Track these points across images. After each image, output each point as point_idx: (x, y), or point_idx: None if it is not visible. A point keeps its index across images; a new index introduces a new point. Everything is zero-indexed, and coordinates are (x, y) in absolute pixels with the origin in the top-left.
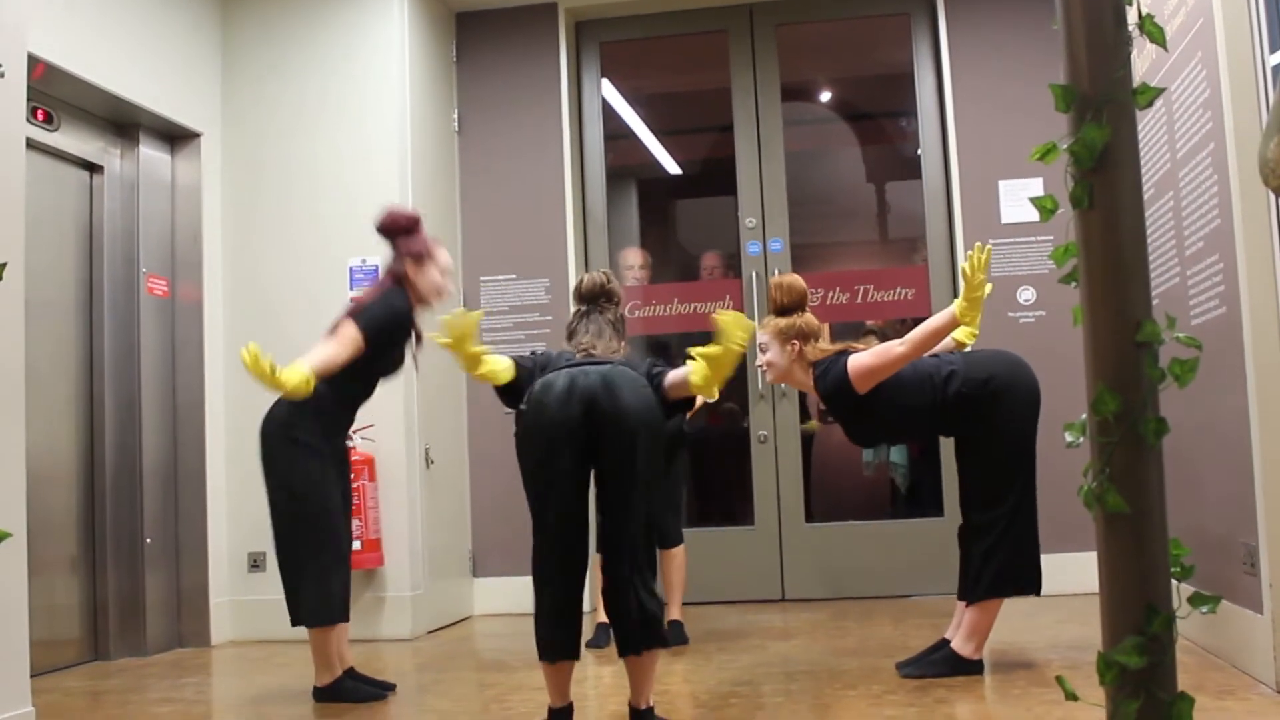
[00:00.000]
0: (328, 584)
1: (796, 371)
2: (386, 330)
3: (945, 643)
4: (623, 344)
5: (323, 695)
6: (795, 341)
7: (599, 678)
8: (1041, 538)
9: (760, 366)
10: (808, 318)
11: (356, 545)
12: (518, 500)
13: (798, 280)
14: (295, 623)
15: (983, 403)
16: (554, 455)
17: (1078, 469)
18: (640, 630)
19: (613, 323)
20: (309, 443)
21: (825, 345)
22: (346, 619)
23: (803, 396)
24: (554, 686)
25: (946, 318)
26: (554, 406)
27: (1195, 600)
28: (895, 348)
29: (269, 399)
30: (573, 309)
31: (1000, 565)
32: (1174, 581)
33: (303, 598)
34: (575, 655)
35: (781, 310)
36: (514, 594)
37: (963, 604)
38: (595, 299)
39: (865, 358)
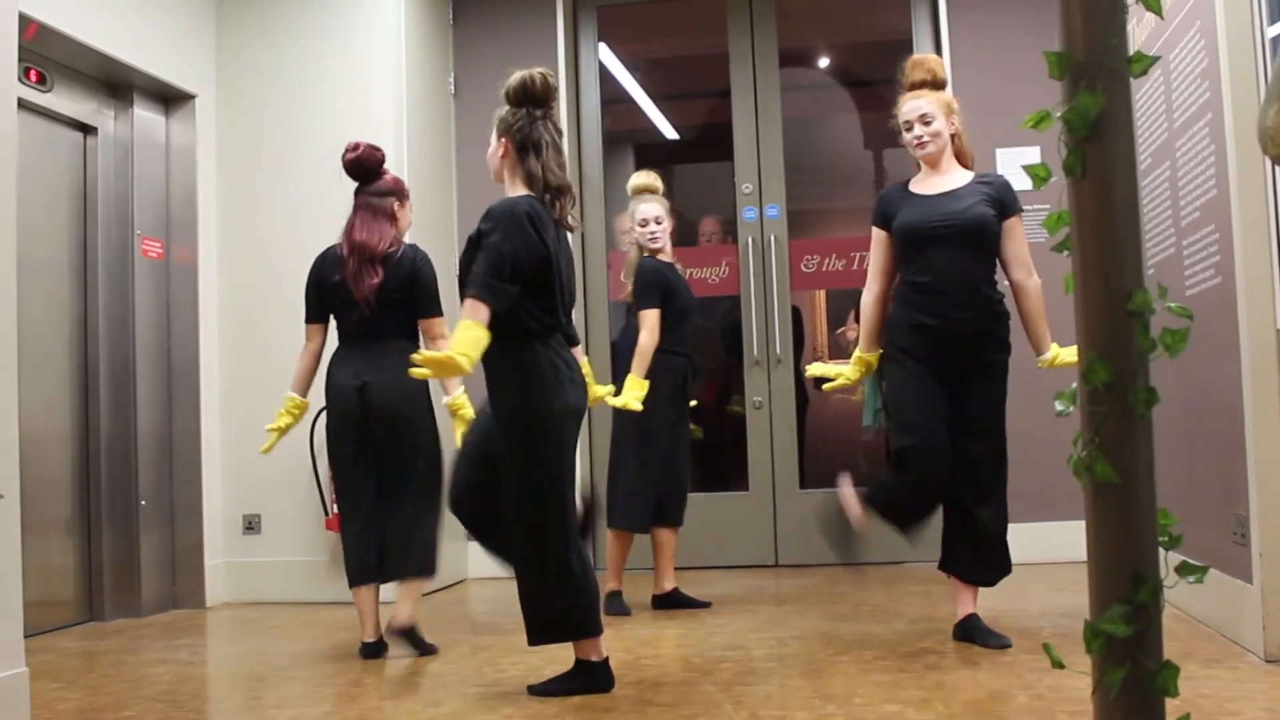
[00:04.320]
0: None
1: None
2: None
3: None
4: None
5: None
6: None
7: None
8: (1032, 506)
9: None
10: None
11: None
12: None
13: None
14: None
15: None
16: None
17: (1067, 438)
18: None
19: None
20: None
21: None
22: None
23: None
24: None
25: None
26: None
27: (1183, 569)
28: None
29: (263, 361)
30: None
31: None
32: (1162, 551)
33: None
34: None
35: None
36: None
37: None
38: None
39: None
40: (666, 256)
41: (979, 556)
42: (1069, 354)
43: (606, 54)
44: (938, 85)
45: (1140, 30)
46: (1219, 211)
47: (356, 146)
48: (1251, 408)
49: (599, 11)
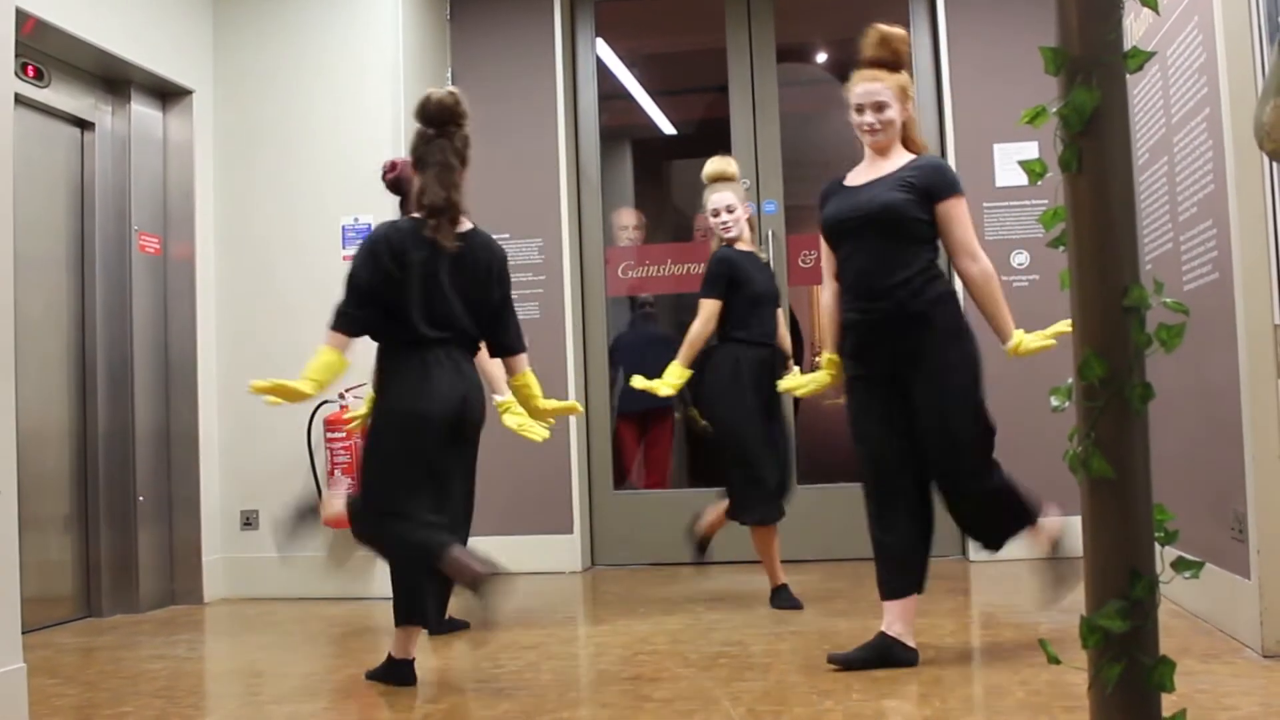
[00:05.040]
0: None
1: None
2: None
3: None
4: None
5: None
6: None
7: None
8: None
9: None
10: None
11: None
12: (510, 459)
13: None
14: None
15: None
16: None
17: (1064, 433)
18: None
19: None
20: None
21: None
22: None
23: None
24: None
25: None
26: None
27: (1179, 565)
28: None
29: (261, 357)
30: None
31: None
32: (1159, 546)
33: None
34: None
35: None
36: (506, 554)
37: None
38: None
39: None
40: (745, 245)
41: (975, 528)
42: (1034, 340)
43: (604, 49)
44: (897, 65)
45: (1137, 26)
46: (1216, 207)
47: (394, 165)
48: (1249, 403)
49: (596, 7)
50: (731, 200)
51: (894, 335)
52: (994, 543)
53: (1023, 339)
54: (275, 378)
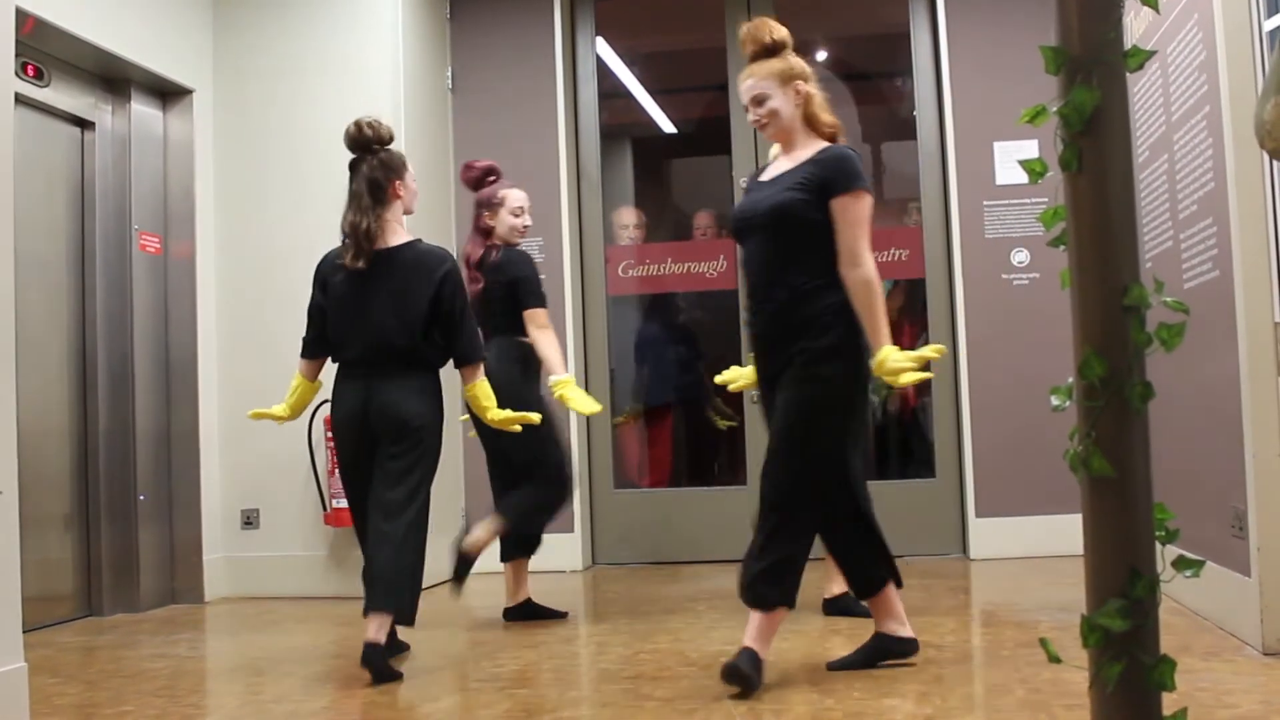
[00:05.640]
0: None
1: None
2: None
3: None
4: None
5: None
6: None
7: (591, 636)
8: (1031, 500)
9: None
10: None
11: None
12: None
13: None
14: None
15: None
16: None
17: (1064, 432)
18: None
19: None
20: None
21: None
22: None
23: None
24: None
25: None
26: None
27: (1180, 564)
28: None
29: (262, 357)
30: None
31: None
32: (1159, 545)
33: None
34: None
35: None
36: None
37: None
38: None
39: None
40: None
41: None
42: (899, 360)
43: (604, 48)
44: (771, 52)
45: (1138, 24)
46: (1217, 205)
47: (470, 166)
48: (1249, 401)
49: (596, 5)
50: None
51: (774, 341)
52: (745, 593)
53: (888, 356)
54: (264, 401)
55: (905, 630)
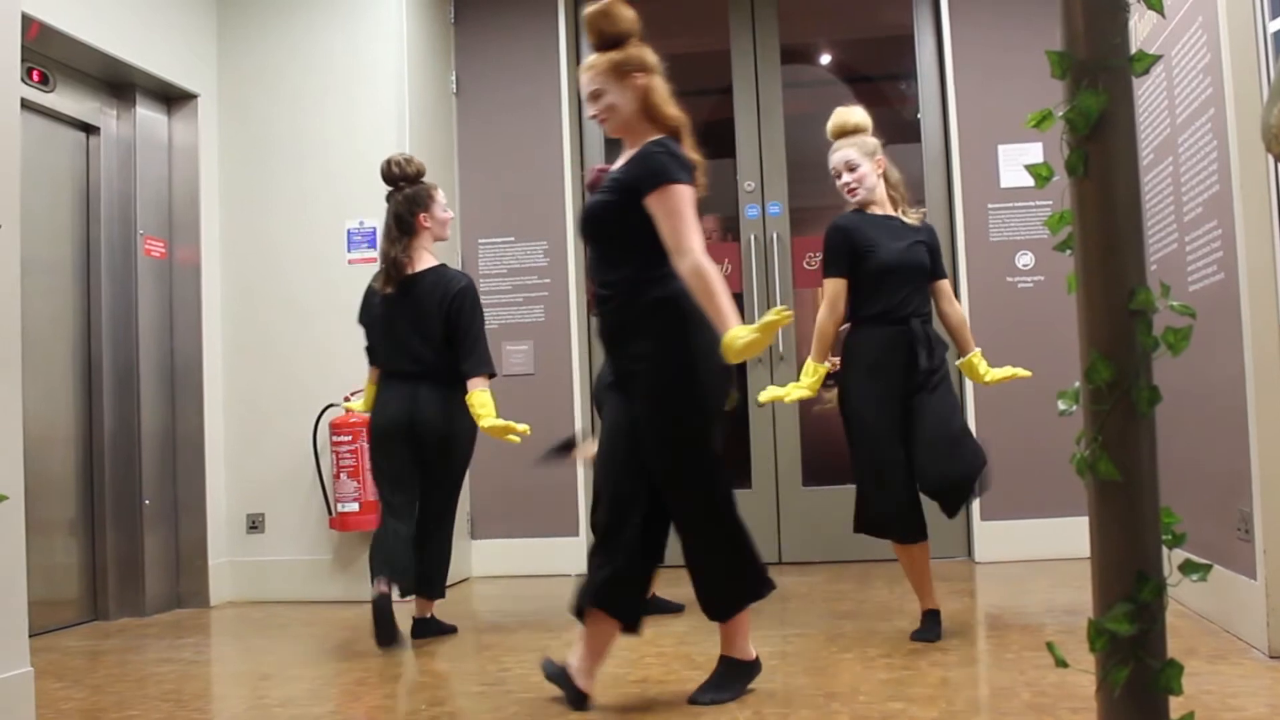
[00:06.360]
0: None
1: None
2: None
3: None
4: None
5: None
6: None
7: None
8: (1036, 503)
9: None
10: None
11: (355, 507)
12: (516, 463)
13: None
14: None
15: None
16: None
17: (1069, 435)
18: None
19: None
20: None
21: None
22: None
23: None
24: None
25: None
26: None
27: (1187, 568)
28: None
29: (267, 361)
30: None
31: None
32: (1166, 549)
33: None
34: None
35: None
36: (511, 556)
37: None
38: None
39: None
40: (881, 208)
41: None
42: (743, 336)
43: None
44: (611, 44)
45: (1142, 26)
46: (1222, 207)
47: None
48: (1255, 403)
49: None
50: (852, 156)
51: (608, 350)
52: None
53: (734, 337)
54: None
55: (584, 682)
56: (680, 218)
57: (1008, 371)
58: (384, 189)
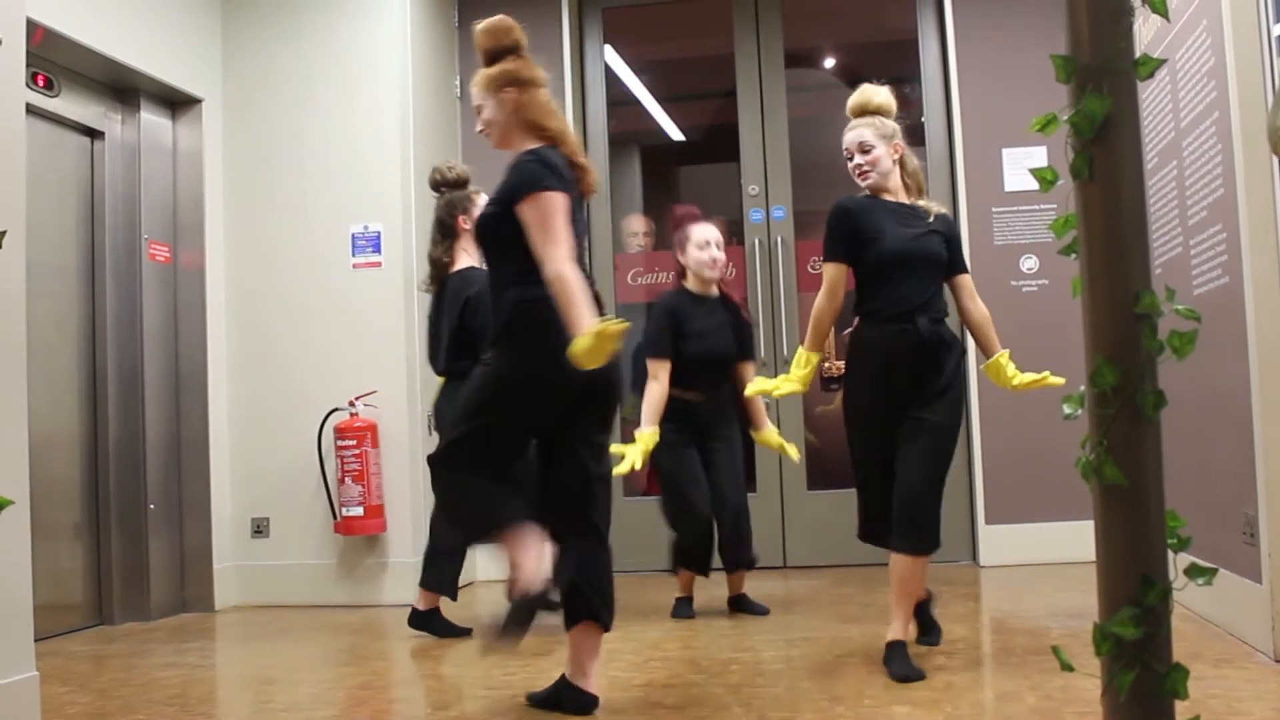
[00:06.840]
0: None
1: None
2: None
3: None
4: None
5: None
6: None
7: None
8: (1041, 507)
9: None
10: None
11: (359, 512)
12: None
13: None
14: None
15: None
16: None
17: (1074, 439)
18: None
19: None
20: None
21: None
22: None
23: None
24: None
25: None
26: None
27: (1192, 571)
28: None
29: (272, 365)
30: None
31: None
32: (1171, 553)
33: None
34: None
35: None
36: None
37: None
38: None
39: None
40: (894, 194)
41: None
42: (584, 341)
43: (612, 56)
44: (491, 59)
45: (1146, 29)
46: (1226, 211)
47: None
48: (1260, 407)
49: (604, 13)
50: (867, 137)
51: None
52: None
53: (578, 342)
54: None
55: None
56: (544, 226)
57: (1038, 377)
58: (389, 193)
